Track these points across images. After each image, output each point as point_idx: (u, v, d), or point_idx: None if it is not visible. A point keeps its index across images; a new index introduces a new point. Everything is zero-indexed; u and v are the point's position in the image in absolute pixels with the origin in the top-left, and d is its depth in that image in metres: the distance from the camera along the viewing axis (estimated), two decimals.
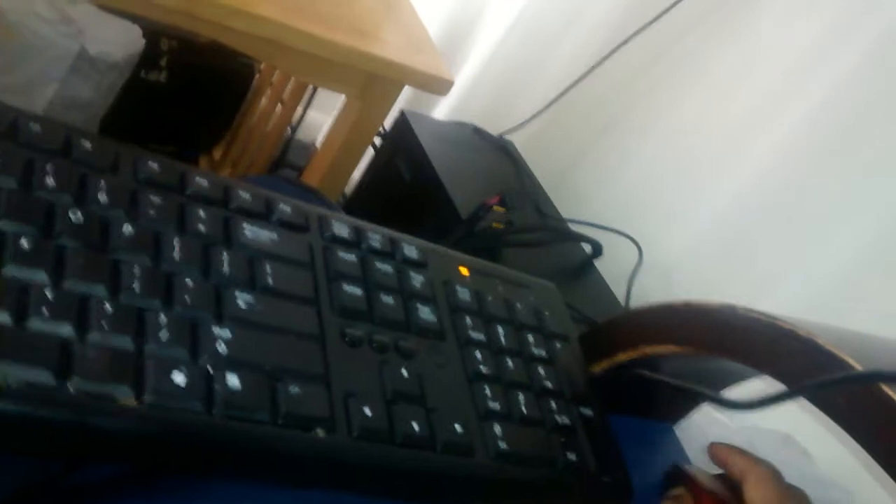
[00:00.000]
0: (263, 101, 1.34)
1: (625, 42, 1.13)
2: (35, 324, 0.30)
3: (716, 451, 0.50)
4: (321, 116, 1.67)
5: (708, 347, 0.46)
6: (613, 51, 1.15)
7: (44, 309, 0.31)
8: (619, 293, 1.08)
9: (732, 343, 0.45)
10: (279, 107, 1.32)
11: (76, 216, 0.34)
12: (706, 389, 0.46)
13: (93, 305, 0.32)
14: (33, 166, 0.35)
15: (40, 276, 0.32)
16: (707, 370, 0.51)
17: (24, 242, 0.32)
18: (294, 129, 1.55)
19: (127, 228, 0.35)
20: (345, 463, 0.36)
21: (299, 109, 1.38)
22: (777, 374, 0.43)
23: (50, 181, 0.35)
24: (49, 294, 0.31)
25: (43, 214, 0.34)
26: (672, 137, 1.14)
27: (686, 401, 0.57)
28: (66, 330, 0.31)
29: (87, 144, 0.37)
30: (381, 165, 1.25)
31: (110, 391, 0.31)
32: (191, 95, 1.22)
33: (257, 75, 1.33)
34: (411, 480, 0.39)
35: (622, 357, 0.49)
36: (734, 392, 0.54)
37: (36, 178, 0.34)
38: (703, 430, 0.65)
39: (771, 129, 1.00)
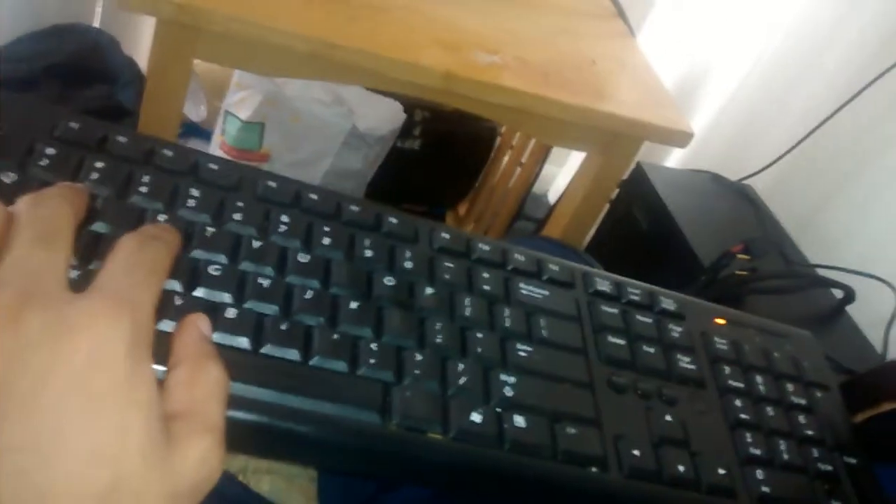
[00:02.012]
0: (504, 160, 1.43)
1: (872, 81, 1.10)
2: (365, 371, 0.37)
3: None
4: (554, 169, 1.73)
5: None
6: (860, 91, 1.11)
7: (371, 359, 0.38)
8: (876, 341, 1.03)
9: None
10: (519, 166, 1.40)
11: (389, 281, 0.41)
12: None
13: (406, 356, 0.39)
14: (354, 240, 0.42)
15: (366, 332, 0.39)
16: None
17: (352, 304, 0.39)
18: (530, 184, 1.63)
19: (428, 290, 0.42)
20: (616, 499, 0.40)
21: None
22: None
23: (368, 253, 0.42)
24: (373, 346, 0.38)
25: (364, 280, 0.41)
26: None
27: None
28: (387, 376, 0.38)
29: (394, 220, 0.44)
30: (618, 216, 1.28)
31: (423, 427, 0.37)
32: (440, 159, 1.33)
33: (499, 138, 1.42)
34: None
35: (887, 407, 0.49)
36: None
37: (357, 250, 0.42)
38: None
39: None
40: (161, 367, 0.30)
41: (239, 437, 0.35)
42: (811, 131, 1.20)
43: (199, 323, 0.28)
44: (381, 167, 1.24)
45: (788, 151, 1.24)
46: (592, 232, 1.31)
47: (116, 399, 0.23)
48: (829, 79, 1.22)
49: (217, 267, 0.37)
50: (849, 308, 1.07)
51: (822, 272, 1.11)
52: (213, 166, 0.42)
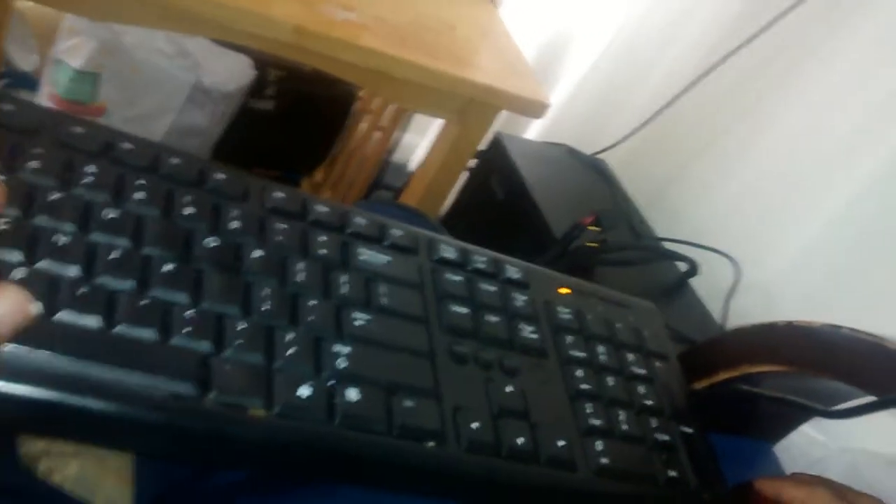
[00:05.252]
0: (363, 126, 1.39)
1: (722, 60, 1.13)
2: (178, 340, 0.34)
3: (763, 487, 0.44)
4: (415, 138, 1.71)
5: (812, 367, 0.46)
6: (710, 69, 1.14)
7: (186, 327, 0.34)
8: (716, 312, 1.08)
9: (837, 363, 0.46)
10: (378, 132, 1.36)
11: (211, 242, 0.37)
12: (805, 401, 0.46)
13: (228, 324, 0.35)
14: (173, 197, 0.38)
15: (181, 298, 0.35)
16: (809, 390, 0.51)
17: (168, 266, 0.35)
18: (390, 152, 1.59)
19: (257, 253, 0.38)
20: (454, 474, 0.38)
21: (396, 132, 1.43)
22: (882, 395, 0.43)
23: (188, 210, 0.38)
24: (189, 314, 0.34)
25: (182, 241, 0.37)
26: (771, 155, 1.12)
27: (785, 420, 0.57)
28: (205, 346, 0.34)
29: (220, 176, 0.40)
30: (475, 186, 1.27)
31: (244, 403, 0.34)
32: (295, 122, 1.28)
33: (357, 102, 1.38)
34: (516, 493, 0.40)
35: (723, 376, 0.50)
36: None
37: (176, 207, 0.38)
38: (802, 450, 0.64)
39: (879, 144, 0.98)
40: None
41: (30, 416, 0.31)
42: (660, 109, 1.23)
43: None
44: (231, 128, 1.18)
45: (640, 128, 1.26)
46: (450, 202, 1.30)
47: None
48: (681, 58, 1.25)
49: (7, 221, 0.33)
50: (692, 280, 1.11)
51: (668, 245, 1.14)
52: (8, 106, 0.36)
